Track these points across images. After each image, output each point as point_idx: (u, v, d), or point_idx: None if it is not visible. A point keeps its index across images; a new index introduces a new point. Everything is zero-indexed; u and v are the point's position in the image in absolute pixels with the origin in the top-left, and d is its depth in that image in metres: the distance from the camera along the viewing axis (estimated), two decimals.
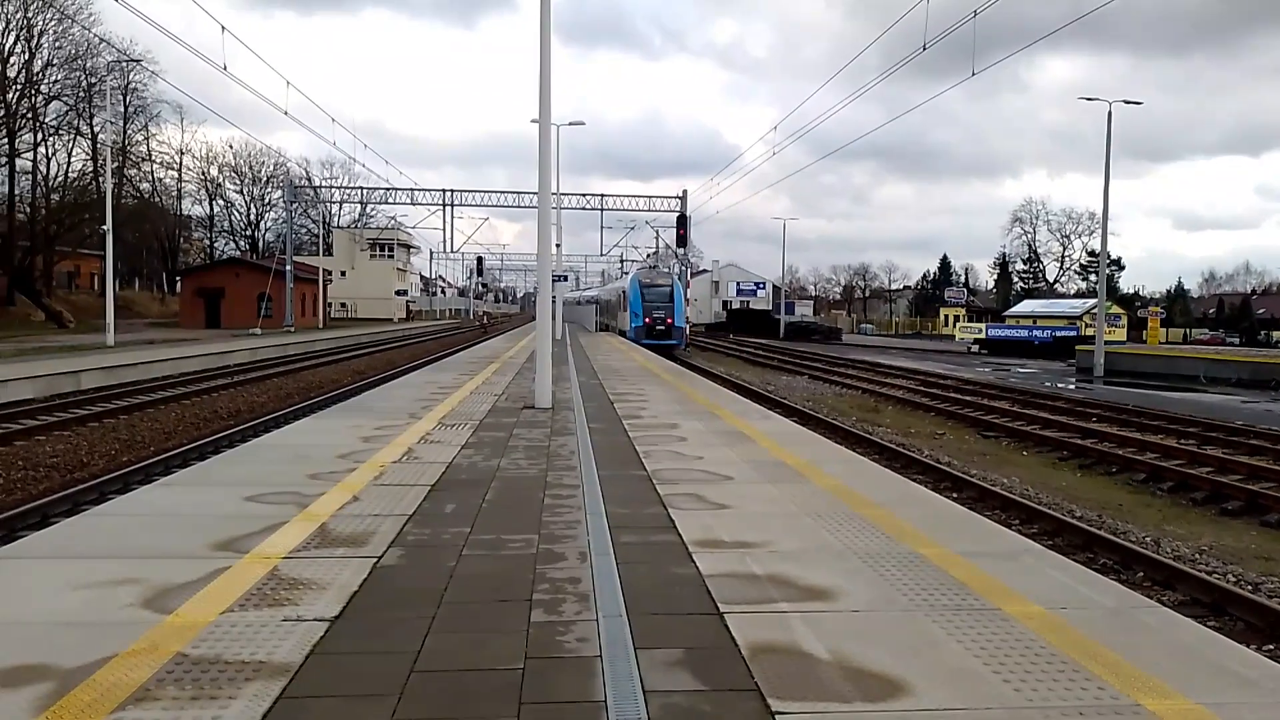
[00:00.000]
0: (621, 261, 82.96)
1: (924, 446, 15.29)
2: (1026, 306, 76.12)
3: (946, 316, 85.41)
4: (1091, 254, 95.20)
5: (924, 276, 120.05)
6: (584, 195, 52.94)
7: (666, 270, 45.80)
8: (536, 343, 13.04)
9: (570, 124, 34.39)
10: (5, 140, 46.33)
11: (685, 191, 50.82)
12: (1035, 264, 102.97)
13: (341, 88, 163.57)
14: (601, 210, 53.71)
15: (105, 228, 31.99)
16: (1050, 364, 43.45)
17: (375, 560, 4.88)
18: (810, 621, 3.97)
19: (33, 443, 13.75)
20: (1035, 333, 56.72)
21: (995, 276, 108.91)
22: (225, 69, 22.93)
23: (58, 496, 10.04)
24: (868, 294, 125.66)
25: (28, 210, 50.81)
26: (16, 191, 49.60)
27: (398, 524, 5.68)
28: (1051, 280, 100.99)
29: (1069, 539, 9.05)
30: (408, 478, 7.20)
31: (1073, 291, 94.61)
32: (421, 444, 8.99)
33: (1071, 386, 30.18)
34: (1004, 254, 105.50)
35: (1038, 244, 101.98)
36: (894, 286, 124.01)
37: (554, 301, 47.00)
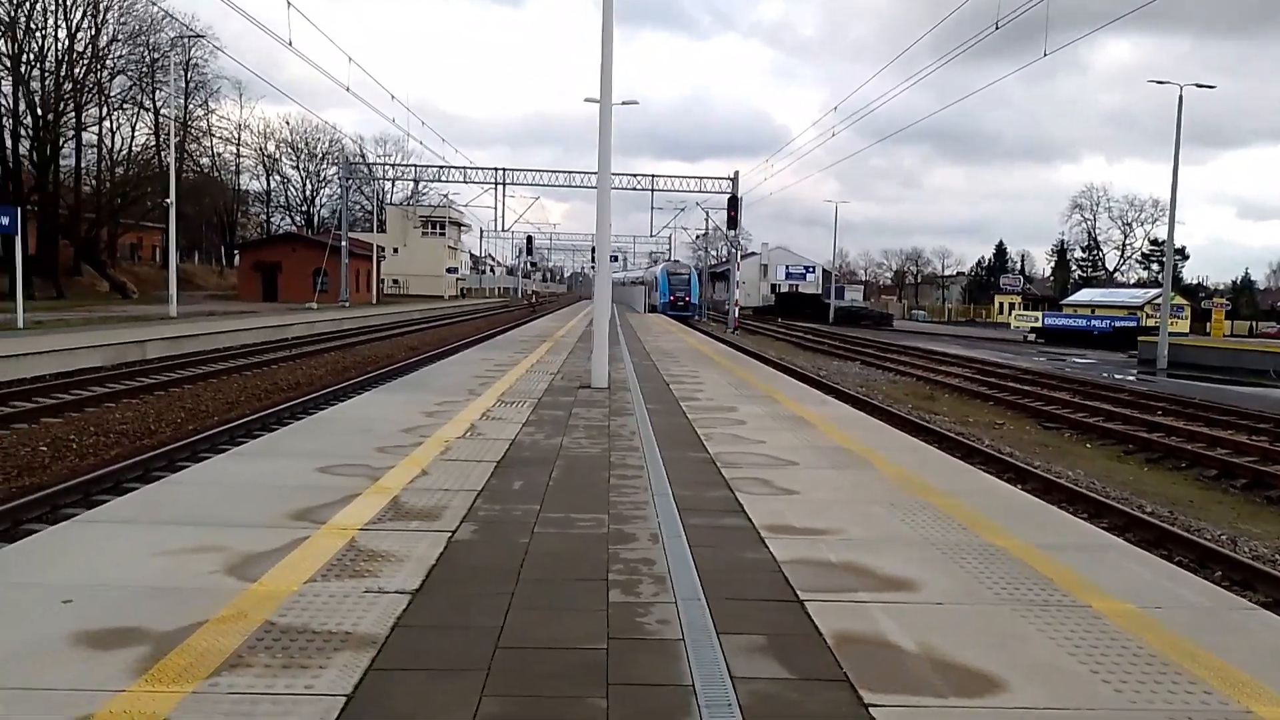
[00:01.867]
0: (669, 245, 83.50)
1: (983, 436, 15.02)
2: (1085, 295, 74.29)
3: (1001, 304, 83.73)
4: (1154, 242, 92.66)
5: (978, 263, 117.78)
6: (634, 175, 52.78)
7: (686, 264, 66.72)
8: (594, 323, 13.03)
9: (623, 103, 34.24)
10: (73, 114, 47.49)
11: (737, 173, 50.34)
12: (1095, 252, 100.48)
13: (394, 66, 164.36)
14: (653, 191, 53.46)
15: (168, 201, 32.71)
16: (1110, 355, 42.39)
17: (450, 535, 4.91)
18: (892, 612, 3.90)
19: (103, 410, 14.14)
20: (1094, 323, 55.40)
21: (1053, 264, 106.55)
22: (290, 44, 23.21)
23: (129, 463, 10.30)
24: (919, 280, 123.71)
25: (93, 183, 52.18)
26: (83, 165, 51.00)
27: (468, 499, 5.71)
28: (1111, 269, 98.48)
29: (1140, 534, 8.80)
30: (473, 454, 7.24)
31: (1133, 281, 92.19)
32: (483, 420, 9.04)
33: (1133, 378, 29.42)
34: (1062, 241, 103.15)
35: (1098, 231, 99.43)
36: (947, 272, 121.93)
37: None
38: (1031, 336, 54.17)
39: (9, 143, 43.55)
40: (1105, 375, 29.48)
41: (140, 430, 12.89)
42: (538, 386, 12.29)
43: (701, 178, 53.26)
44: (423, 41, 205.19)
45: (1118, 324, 52.78)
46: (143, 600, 3.77)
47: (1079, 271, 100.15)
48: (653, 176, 52.72)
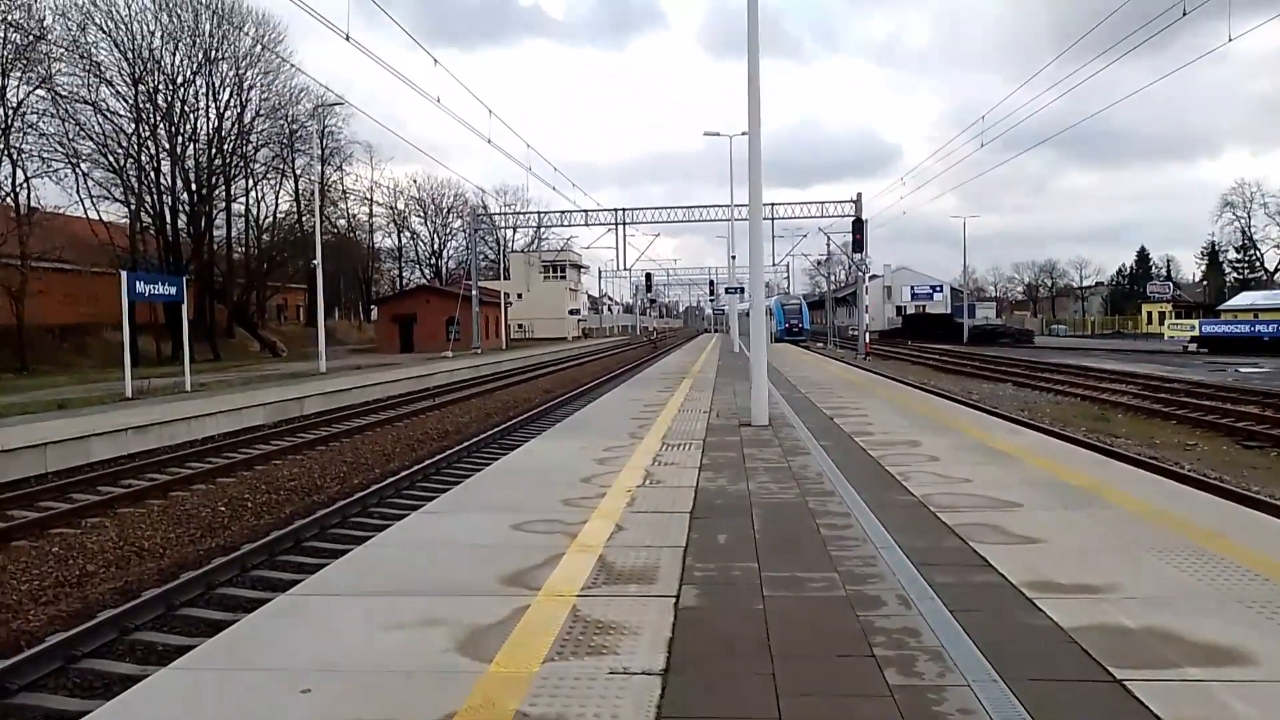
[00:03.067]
0: (788, 273, 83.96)
1: (1180, 459, 13.68)
2: (1245, 299, 68.83)
3: (1150, 313, 78.50)
4: None
5: (1119, 271, 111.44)
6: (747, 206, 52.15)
7: (796, 295, 79.53)
8: (751, 361, 12.59)
9: (742, 134, 34.01)
10: (223, 187, 50.81)
11: (859, 195, 49.21)
12: (1251, 252, 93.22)
13: (507, 116, 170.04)
14: (773, 219, 52.78)
15: (315, 263, 34.26)
16: None
17: (674, 600, 4.51)
18: (1241, 694, 3.24)
19: (270, 466, 14.55)
20: (1259, 328, 51.05)
21: (1203, 268, 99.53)
22: (439, 101, 24.04)
23: (306, 521, 10.44)
24: (1055, 292, 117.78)
25: (242, 250, 55.55)
26: (232, 233, 54.37)
27: (676, 557, 5.32)
28: (1272, 269, 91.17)
29: None
30: (661, 504, 6.86)
31: None
32: (656, 466, 8.68)
33: None
34: (1213, 243, 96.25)
35: (1253, 230, 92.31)
36: (1085, 283, 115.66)
37: (732, 315, 46.91)
38: (1192, 346, 50.39)
39: (168, 218, 46.90)
40: None
41: (308, 485, 13.16)
42: (696, 426, 11.89)
43: (822, 202, 52.38)
44: (533, 94, 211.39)
45: None
46: (385, 687, 3.51)
47: (1234, 274, 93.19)
48: (772, 205, 52.08)
